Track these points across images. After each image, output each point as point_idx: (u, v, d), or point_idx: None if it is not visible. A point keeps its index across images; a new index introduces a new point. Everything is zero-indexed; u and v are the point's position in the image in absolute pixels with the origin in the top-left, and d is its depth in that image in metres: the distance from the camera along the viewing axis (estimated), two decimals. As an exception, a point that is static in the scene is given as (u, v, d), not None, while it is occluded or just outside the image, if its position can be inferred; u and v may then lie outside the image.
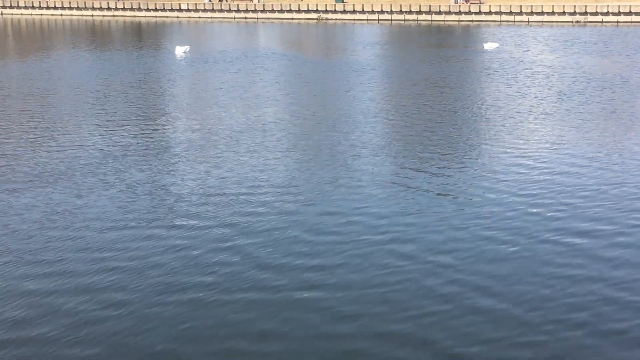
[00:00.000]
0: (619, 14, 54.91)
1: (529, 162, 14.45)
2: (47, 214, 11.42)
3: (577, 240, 10.27)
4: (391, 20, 60.23)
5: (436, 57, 33.94)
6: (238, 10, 64.79)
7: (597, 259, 9.63)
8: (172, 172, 13.85)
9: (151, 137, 16.95)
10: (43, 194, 12.49)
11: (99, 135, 17.21)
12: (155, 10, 67.53)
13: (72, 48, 40.28)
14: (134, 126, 18.35)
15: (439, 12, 59.58)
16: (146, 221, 11.08)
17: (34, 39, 49.54)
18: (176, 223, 10.99)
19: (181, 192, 12.56)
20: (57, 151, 15.54)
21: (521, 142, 16.33)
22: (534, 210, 11.51)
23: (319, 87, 25.34)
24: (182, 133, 17.46)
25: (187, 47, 36.79)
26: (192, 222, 11.02)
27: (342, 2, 63.38)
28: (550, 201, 11.97)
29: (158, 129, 17.98)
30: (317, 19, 62.08)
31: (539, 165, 14.27)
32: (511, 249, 9.97)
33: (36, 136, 17.16)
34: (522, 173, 13.67)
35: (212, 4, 66.04)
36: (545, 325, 7.90)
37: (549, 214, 11.34)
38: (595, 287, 8.83)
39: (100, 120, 19.17)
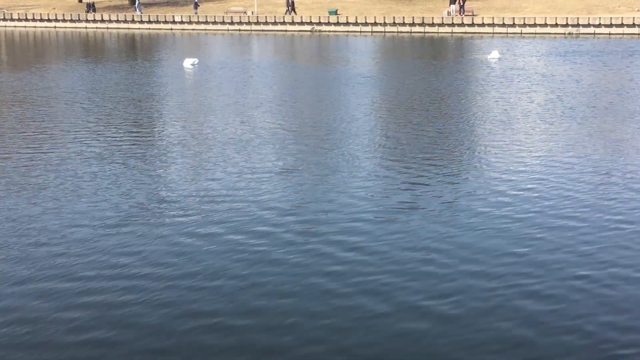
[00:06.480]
0: (610, 25, 55.27)
1: (539, 173, 14.53)
2: (38, 219, 11.42)
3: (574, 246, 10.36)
4: (384, 32, 60.46)
5: (441, 68, 34.07)
6: (232, 23, 64.87)
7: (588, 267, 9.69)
8: (177, 179, 13.89)
9: (173, 143, 17.04)
10: (43, 199, 12.50)
11: (119, 143, 17.29)
12: (149, 22, 67.54)
13: (76, 60, 40.21)
14: (156, 135, 18.42)
15: (432, 24, 59.85)
16: (143, 220, 11.10)
17: (40, 51, 49.55)
18: (166, 222, 11.03)
19: (177, 193, 12.60)
20: (60, 158, 15.55)
21: (531, 152, 16.43)
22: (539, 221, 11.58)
23: (329, 98, 25.38)
24: (199, 139, 17.62)
25: (195, 60, 36.50)
26: (184, 222, 11.18)
27: (336, 14, 63.59)
28: (557, 220, 12.04)
29: (183, 137, 18.23)
30: (311, 30, 62.24)
31: (551, 177, 14.35)
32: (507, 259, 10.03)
33: (46, 144, 17.18)
34: (526, 183, 13.75)
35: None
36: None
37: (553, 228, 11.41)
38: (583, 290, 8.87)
39: (129, 130, 19.25)
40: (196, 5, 68.54)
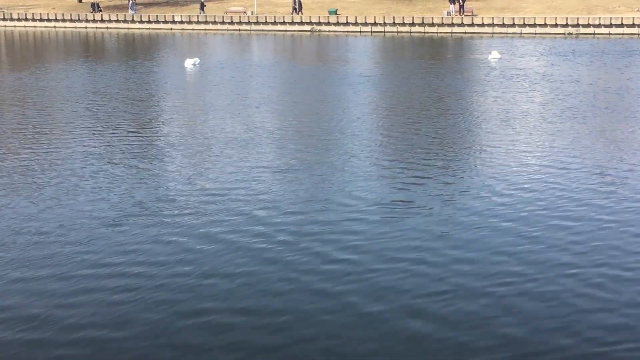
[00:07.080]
0: (610, 26, 55.28)
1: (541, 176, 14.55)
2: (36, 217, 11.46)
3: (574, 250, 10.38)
4: (384, 32, 60.47)
5: (440, 68, 34.09)
6: (232, 22, 64.88)
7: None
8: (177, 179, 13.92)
9: (180, 143, 17.05)
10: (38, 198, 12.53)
11: (123, 141, 17.29)
12: (149, 22, 67.55)
13: (76, 60, 40.22)
14: (161, 134, 18.44)
15: (432, 24, 59.85)
16: (141, 218, 11.13)
17: (40, 51, 49.60)
18: (166, 221, 11.05)
19: (177, 193, 12.63)
20: (59, 157, 15.58)
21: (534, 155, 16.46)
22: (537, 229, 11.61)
23: (328, 98, 25.41)
24: (200, 139, 17.60)
25: (196, 60, 36.53)
26: (183, 221, 11.17)
27: (336, 14, 63.60)
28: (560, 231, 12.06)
29: (183, 136, 18.26)
30: (310, 30, 62.25)
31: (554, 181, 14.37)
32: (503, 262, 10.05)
33: (46, 143, 17.21)
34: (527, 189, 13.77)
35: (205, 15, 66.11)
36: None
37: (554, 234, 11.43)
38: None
39: (130, 130, 19.26)
40: (202, 6, 68.44)
